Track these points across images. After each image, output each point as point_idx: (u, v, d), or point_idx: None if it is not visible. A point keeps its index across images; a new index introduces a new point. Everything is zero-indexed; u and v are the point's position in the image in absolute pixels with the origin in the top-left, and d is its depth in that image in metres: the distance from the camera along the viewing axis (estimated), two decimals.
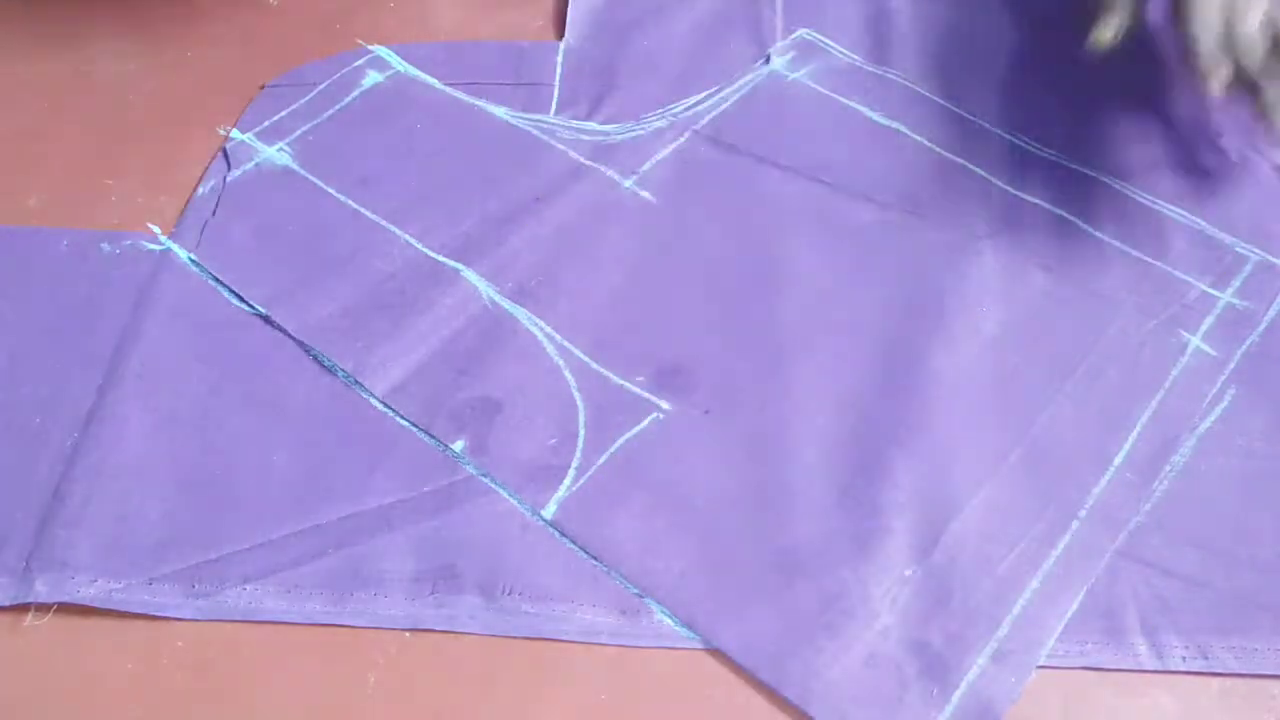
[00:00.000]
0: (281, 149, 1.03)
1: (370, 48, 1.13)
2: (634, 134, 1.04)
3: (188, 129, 1.07)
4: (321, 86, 1.08)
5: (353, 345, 0.88)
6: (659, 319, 0.90)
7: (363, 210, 0.98)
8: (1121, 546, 0.77)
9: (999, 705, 0.69)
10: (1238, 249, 0.94)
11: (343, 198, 0.99)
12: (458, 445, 0.82)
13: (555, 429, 0.83)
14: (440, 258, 0.94)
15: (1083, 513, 0.78)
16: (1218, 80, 0.88)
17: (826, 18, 1.17)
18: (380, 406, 0.85)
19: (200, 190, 1.00)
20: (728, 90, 1.09)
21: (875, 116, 1.06)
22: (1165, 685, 0.72)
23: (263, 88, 1.10)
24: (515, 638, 0.74)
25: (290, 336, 0.89)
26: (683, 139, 1.04)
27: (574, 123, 1.05)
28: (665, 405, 0.85)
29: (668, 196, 0.99)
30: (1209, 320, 0.89)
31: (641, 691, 0.72)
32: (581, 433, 0.83)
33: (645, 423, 0.84)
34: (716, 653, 0.73)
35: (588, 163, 1.01)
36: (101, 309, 0.91)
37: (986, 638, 0.72)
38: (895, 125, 1.05)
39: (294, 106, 1.07)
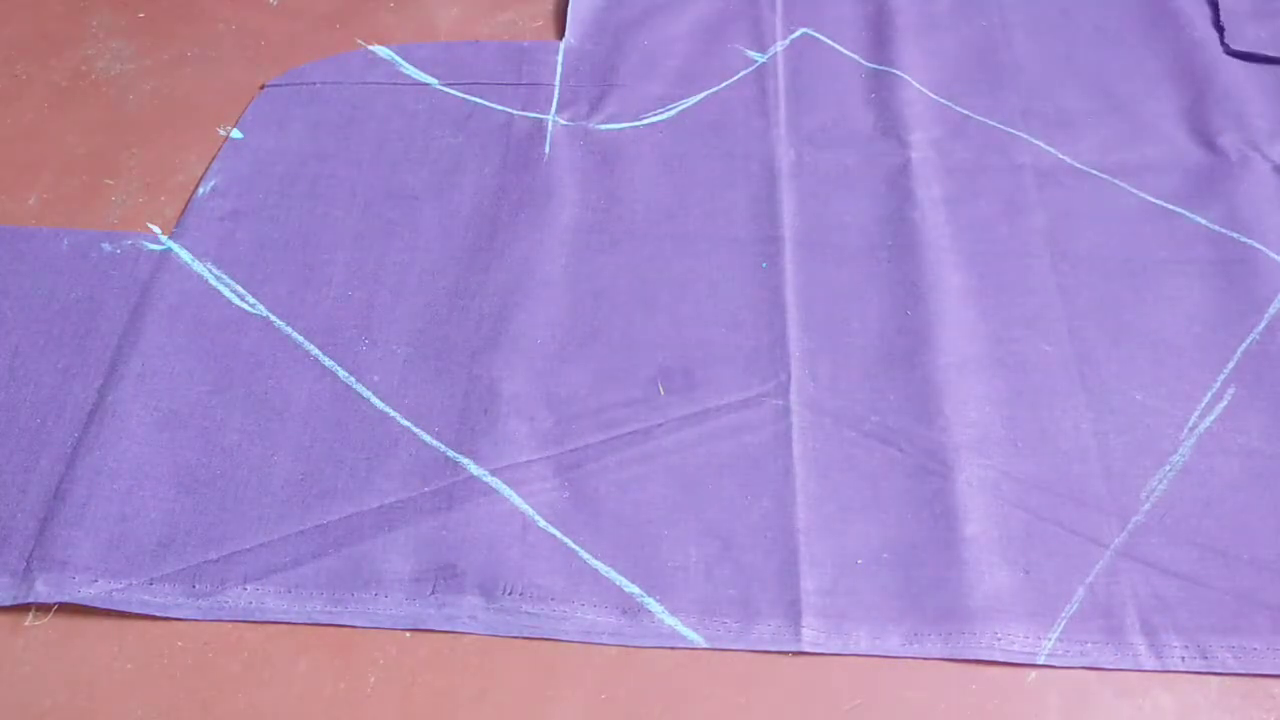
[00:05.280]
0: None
1: (370, 48, 1.13)
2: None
3: (188, 129, 1.07)
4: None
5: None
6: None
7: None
8: (1121, 546, 0.78)
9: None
10: (1241, 241, 0.95)
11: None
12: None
13: None
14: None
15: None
16: None
17: (826, 17, 1.17)
18: (381, 406, 0.85)
19: (200, 190, 1.00)
20: (722, 87, 1.10)
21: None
22: (1165, 685, 0.72)
23: (263, 88, 1.10)
24: (515, 638, 0.74)
25: (290, 336, 0.89)
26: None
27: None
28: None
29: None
30: None
31: (641, 691, 0.72)
32: None
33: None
34: (716, 653, 0.73)
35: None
36: (101, 309, 0.91)
37: None
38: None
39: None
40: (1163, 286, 0.93)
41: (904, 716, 0.71)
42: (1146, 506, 0.79)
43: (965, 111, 1.07)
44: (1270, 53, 1.10)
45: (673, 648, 0.73)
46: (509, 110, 1.07)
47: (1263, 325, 0.90)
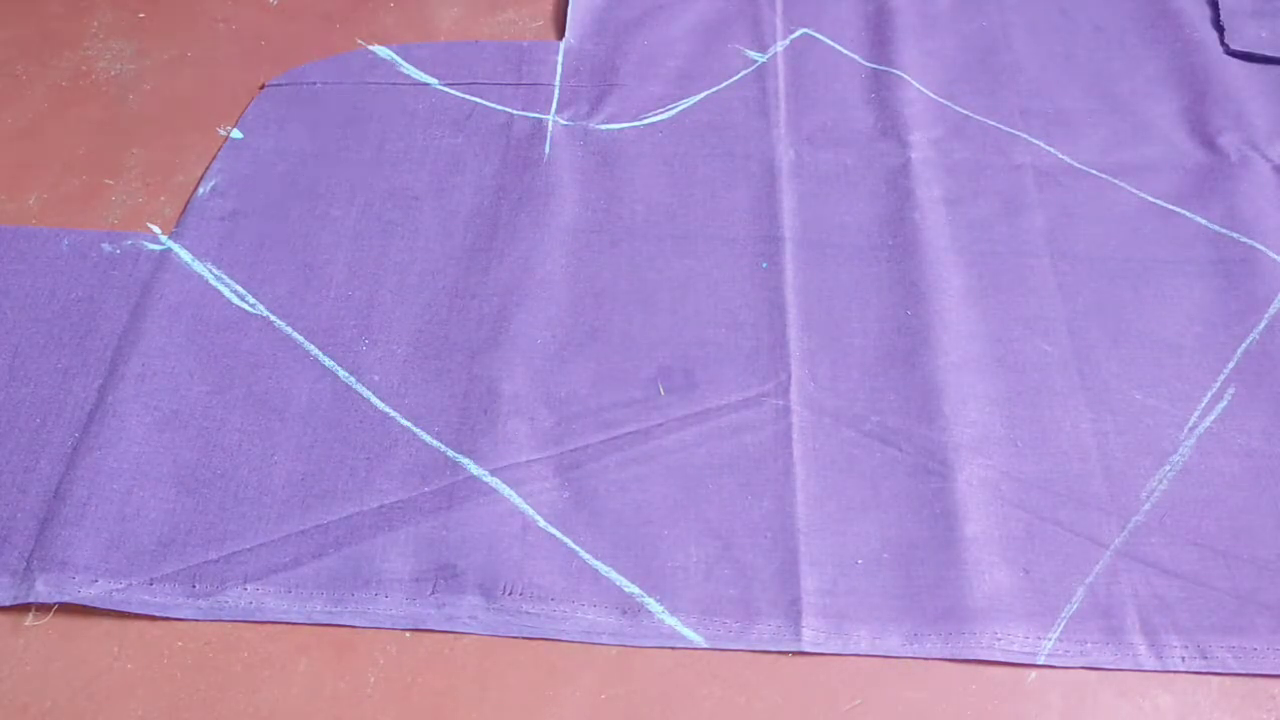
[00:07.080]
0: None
1: (370, 48, 1.13)
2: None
3: (188, 129, 1.07)
4: None
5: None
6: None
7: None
8: (1121, 546, 0.78)
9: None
10: (1241, 241, 0.95)
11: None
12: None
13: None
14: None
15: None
16: None
17: (826, 17, 1.17)
18: (381, 406, 0.85)
19: (200, 190, 1.00)
20: (722, 87, 1.10)
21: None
22: (1165, 685, 0.72)
23: (263, 87, 1.10)
24: (515, 638, 0.74)
25: (290, 336, 0.89)
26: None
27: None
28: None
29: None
30: None
31: (641, 691, 0.72)
32: None
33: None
34: (716, 653, 0.73)
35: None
36: (101, 309, 0.91)
37: None
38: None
39: None
40: (1163, 286, 0.93)
41: (904, 716, 0.71)
42: (1146, 506, 0.79)
43: (965, 111, 1.07)
44: (1270, 53, 1.10)
45: (673, 648, 0.73)
46: (509, 110, 1.07)
47: (1263, 325, 0.90)
